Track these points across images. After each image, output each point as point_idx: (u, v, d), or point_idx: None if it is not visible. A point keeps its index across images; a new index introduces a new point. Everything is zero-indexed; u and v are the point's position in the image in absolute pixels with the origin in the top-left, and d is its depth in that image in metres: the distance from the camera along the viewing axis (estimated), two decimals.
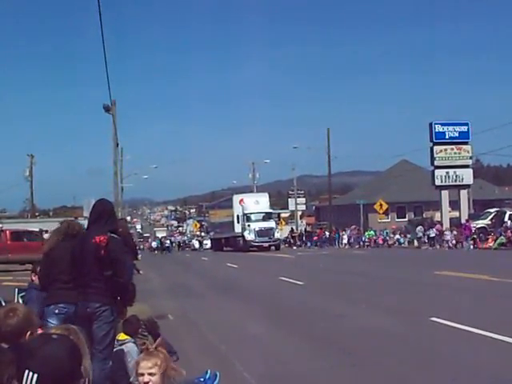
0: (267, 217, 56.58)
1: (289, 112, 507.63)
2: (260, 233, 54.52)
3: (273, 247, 54.62)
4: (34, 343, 2.56)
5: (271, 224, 55.77)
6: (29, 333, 3.61)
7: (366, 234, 57.48)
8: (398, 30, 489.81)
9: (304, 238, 66.38)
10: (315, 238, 64.35)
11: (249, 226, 55.07)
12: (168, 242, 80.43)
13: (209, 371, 7.24)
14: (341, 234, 61.25)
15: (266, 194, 61.77)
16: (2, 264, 30.56)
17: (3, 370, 3.03)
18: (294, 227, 74.28)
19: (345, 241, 59.14)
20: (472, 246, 42.63)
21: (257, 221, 55.24)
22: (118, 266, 6.16)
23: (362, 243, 56.98)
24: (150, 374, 4.51)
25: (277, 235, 56.51)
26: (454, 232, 46.31)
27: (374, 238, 56.46)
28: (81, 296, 6.29)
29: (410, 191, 69.74)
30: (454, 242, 45.04)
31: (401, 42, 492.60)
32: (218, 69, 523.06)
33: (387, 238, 55.47)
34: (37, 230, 35.69)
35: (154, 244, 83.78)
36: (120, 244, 6.35)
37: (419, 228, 52.23)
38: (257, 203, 57.44)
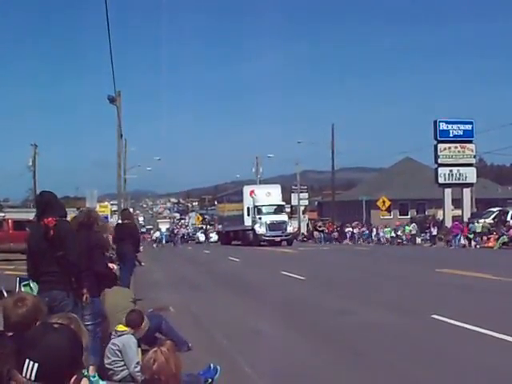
0: (279, 210, 54.13)
1: (294, 107, 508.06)
2: (272, 226, 51.77)
3: (285, 242, 51.72)
4: (35, 333, 2.52)
5: (283, 217, 53.39)
6: (38, 322, 3.59)
7: (386, 230, 56.12)
8: (404, 27, 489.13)
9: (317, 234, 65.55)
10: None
11: (260, 218, 52.43)
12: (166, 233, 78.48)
13: (211, 365, 7.24)
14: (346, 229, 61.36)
15: (278, 186, 58.77)
16: (4, 253, 30.61)
17: (4, 361, 3.00)
18: (298, 223, 73.97)
19: (374, 236, 58.02)
20: (461, 245, 43.72)
21: (268, 213, 52.66)
22: (67, 244, 6.31)
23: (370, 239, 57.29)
24: None
25: (289, 229, 54.00)
26: None
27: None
28: (41, 285, 6.34)
29: (413, 188, 69.71)
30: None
31: (407, 39, 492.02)
32: (223, 63, 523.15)
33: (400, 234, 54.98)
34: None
35: (157, 235, 79.32)
36: (68, 225, 6.60)
37: (413, 225, 52.50)
38: (268, 195, 54.81)
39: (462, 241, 44.36)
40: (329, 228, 64.58)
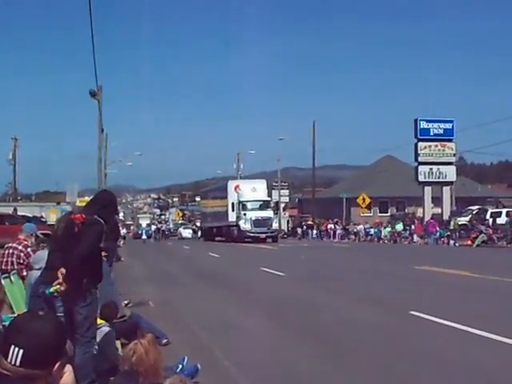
0: (265, 205, 52.85)
1: (276, 103, 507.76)
2: (257, 222, 50.56)
3: (269, 239, 50.47)
4: (21, 319, 2.57)
5: (269, 213, 52.25)
6: None
7: (385, 229, 54.76)
8: (386, 25, 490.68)
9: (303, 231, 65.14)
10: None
11: (245, 214, 51.21)
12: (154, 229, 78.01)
13: (185, 358, 7.28)
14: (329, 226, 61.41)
15: (264, 181, 57.63)
16: None
17: None
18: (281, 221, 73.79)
19: (361, 233, 57.25)
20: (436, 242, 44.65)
21: (253, 209, 51.52)
22: (83, 240, 6.02)
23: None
24: None
25: (275, 226, 52.70)
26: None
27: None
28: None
29: (394, 186, 70.10)
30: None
31: (388, 36, 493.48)
32: (204, 59, 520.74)
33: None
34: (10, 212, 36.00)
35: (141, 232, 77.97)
36: (96, 227, 6.18)
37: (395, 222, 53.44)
38: (254, 190, 53.51)
39: (432, 240, 45.08)
40: (323, 225, 63.78)
